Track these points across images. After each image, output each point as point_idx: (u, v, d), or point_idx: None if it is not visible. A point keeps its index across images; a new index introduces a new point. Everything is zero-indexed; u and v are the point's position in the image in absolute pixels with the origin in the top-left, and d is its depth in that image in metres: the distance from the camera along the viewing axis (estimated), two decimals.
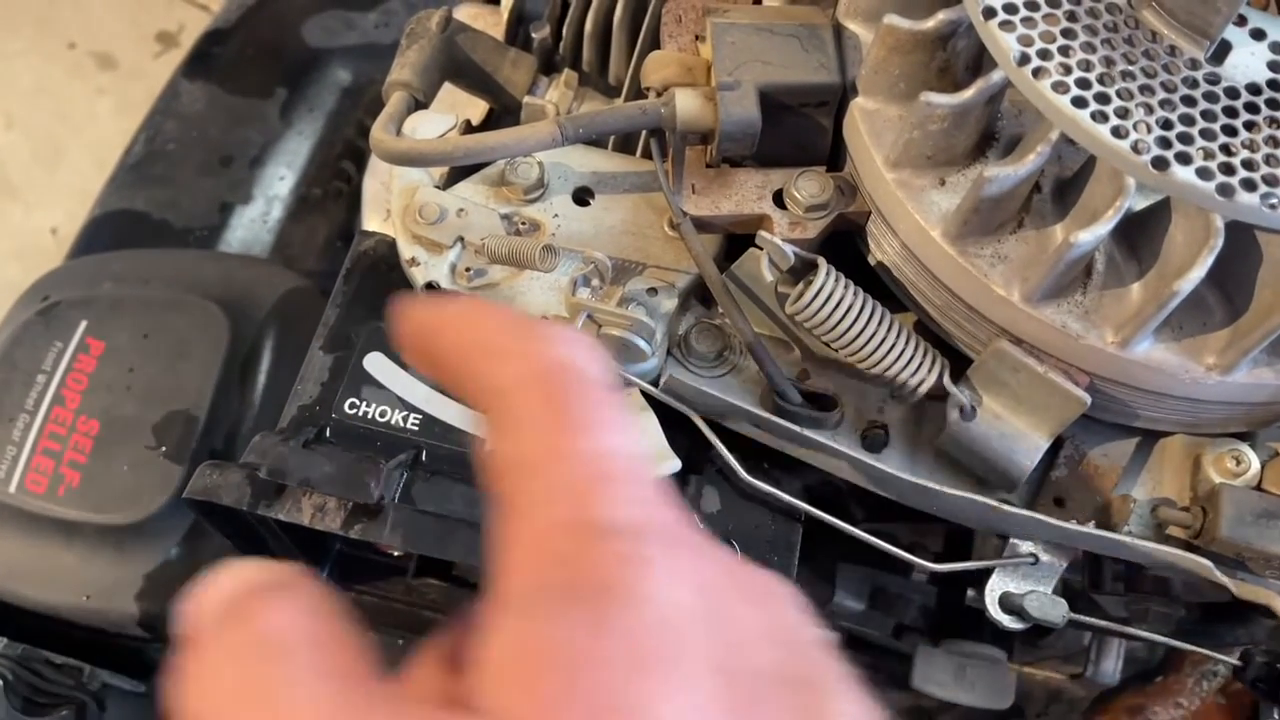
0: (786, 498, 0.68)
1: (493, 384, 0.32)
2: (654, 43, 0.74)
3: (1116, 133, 0.53)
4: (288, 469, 0.60)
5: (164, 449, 0.94)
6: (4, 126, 1.58)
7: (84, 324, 0.98)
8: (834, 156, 0.68)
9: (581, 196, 0.71)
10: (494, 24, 0.90)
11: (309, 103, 1.23)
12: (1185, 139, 0.53)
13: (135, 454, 0.93)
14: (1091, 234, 0.55)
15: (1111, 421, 0.65)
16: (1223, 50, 0.55)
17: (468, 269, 0.68)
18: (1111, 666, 0.87)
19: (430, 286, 0.68)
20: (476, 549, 0.61)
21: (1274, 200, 0.52)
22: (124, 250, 1.08)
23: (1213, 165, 0.52)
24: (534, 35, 0.86)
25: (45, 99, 1.60)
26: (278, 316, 1.02)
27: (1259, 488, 0.64)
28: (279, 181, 1.20)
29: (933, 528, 0.80)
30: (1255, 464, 0.64)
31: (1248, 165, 0.52)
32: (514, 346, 0.32)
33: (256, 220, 1.18)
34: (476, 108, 0.84)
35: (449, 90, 0.80)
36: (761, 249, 0.63)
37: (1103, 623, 0.66)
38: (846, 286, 0.62)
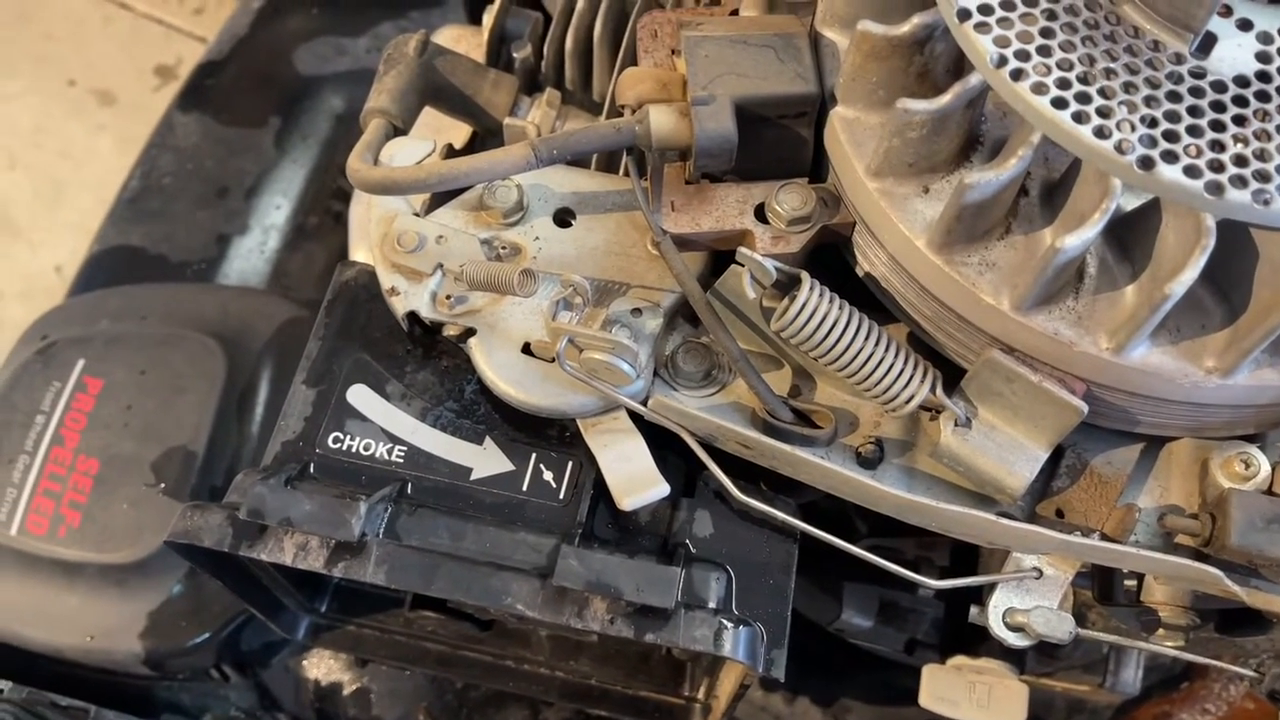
0: (782, 516, 0.66)
1: None
2: (634, 58, 0.73)
3: (1099, 133, 0.51)
4: (267, 509, 0.59)
5: (163, 486, 0.94)
6: (6, 166, 1.59)
7: (81, 362, 0.98)
8: (817, 168, 0.66)
9: (563, 218, 0.70)
10: (476, 45, 0.89)
11: (302, 131, 1.23)
12: (1171, 136, 0.51)
13: (135, 492, 0.93)
14: (1078, 238, 0.53)
15: (1113, 428, 0.63)
16: (1208, 43, 0.53)
17: (448, 296, 0.67)
18: (1131, 676, 0.85)
19: (411, 316, 0.67)
20: (462, 583, 0.59)
21: (1267, 196, 0.50)
22: (121, 286, 1.08)
23: (1201, 163, 0.50)
24: (516, 55, 0.85)
25: (46, 138, 1.61)
26: (275, 348, 1.02)
27: (1270, 491, 0.61)
28: (275, 211, 1.20)
29: (939, 541, 0.78)
30: (1265, 467, 0.62)
31: (1238, 161, 0.50)
32: None
33: (253, 251, 1.18)
34: (460, 131, 0.83)
35: (433, 115, 0.79)
36: (743, 265, 0.61)
37: (1112, 637, 0.64)
38: (831, 301, 0.60)
